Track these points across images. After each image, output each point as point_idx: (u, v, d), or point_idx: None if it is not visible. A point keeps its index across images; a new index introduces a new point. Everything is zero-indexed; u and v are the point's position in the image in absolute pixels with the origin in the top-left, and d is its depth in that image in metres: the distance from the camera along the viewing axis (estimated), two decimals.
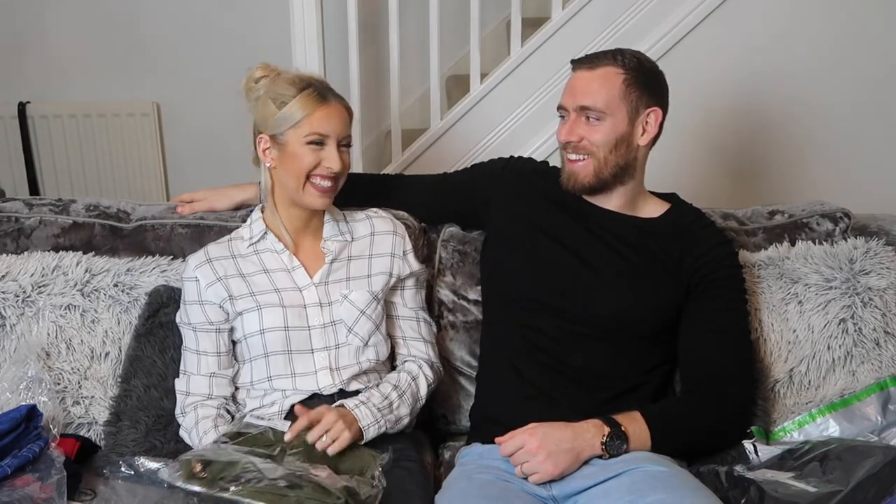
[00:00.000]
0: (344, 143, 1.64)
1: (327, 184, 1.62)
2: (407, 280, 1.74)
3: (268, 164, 1.66)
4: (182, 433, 1.66)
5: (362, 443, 1.54)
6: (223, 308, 1.65)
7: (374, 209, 1.80)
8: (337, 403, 1.57)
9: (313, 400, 1.62)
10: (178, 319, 1.70)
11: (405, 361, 1.72)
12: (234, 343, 1.69)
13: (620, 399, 1.62)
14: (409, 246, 1.75)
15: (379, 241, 1.73)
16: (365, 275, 1.69)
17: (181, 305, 1.69)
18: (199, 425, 1.63)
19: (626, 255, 1.68)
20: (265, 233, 1.69)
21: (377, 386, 1.64)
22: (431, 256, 1.90)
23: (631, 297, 1.65)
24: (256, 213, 1.72)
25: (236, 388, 1.69)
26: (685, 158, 2.66)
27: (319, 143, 1.61)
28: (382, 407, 1.58)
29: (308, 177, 1.62)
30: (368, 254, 1.71)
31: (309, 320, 1.64)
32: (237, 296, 1.64)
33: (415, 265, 1.75)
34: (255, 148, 1.68)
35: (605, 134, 1.65)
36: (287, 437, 1.48)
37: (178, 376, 1.70)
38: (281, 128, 1.62)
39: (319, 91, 1.63)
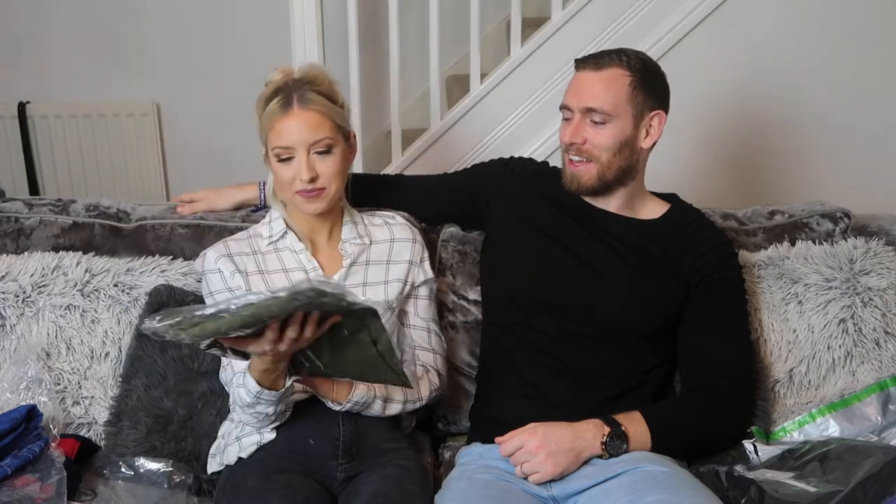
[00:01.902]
0: (320, 149, 1.57)
1: (310, 191, 1.58)
2: (420, 288, 1.72)
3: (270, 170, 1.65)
4: (239, 415, 1.56)
5: (343, 403, 1.52)
6: None
7: (391, 213, 1.78)
8: None
9: (314, 400, 1.60)
10: None
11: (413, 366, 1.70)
12: None
13: (620, 399, 1.62)
14: (426, 254, 1.74)
15: (398, 248, 1.71)
16: (382, 281, 1.68)
17: (207, 299, 1.63)
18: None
19: (626, 257, 1.68)
20: (285, 232, 1.66)
21: None
22: (431, 256, 1.90)
23: (631, 298, 1.65)
24: (276, 213, 1.69)
25: None
26: (685, 158, 2.66)
27: (288, 157, 1.56)
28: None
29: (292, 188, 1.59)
30: (386, 260, 1.70)
31: None
32: (255, 293, 1.57)
33: (429, 273, 1.74)
34: None
35: (609, 137, 1.64)
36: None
37: (180, 377, 1.70)
38: (261, 140, 1.61)
39: (284, 99, 1.56)
